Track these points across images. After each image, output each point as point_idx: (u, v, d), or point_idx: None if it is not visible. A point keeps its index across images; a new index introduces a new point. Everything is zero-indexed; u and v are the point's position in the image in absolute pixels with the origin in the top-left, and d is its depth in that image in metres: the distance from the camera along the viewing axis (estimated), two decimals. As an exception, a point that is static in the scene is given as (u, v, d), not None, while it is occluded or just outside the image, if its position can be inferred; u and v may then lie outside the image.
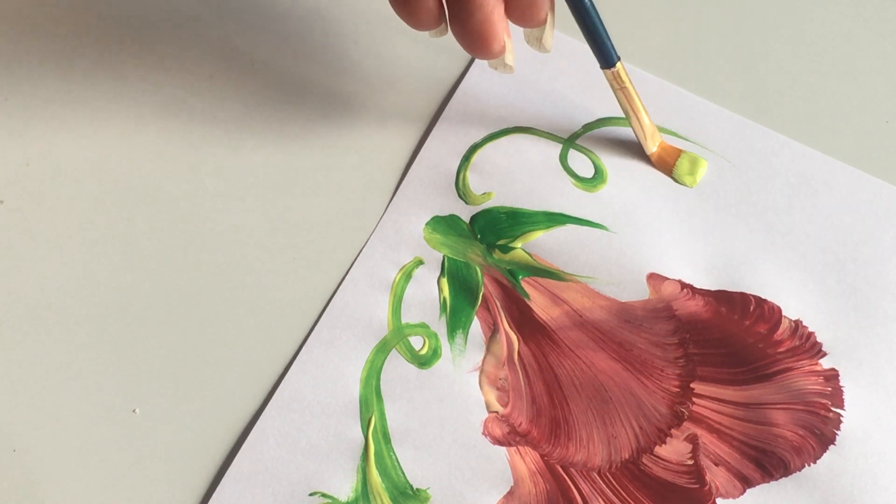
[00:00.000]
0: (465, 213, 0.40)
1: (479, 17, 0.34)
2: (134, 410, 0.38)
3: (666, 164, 0.40)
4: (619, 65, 0.38)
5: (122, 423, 0.38)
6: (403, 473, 0.36)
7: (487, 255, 0.39)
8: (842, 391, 0.37)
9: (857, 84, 0.42)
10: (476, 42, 0.34)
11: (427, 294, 0.39)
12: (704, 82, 0.41)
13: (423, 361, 0.38)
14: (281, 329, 0.39)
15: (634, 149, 0.41)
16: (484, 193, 0.40)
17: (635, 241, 0.39)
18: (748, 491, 0.36)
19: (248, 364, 0.38)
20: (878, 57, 0.42)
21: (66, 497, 0.36)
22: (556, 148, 0.41)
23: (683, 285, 0.38)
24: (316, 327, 0.38)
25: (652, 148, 0.40)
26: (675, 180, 0.40)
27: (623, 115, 0.39)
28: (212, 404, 0.38)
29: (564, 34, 0.42)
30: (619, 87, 0.38)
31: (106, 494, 0.37)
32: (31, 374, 0.38)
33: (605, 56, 0.37)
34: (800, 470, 0.36)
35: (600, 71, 0.38)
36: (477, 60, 0.43)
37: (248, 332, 0.39)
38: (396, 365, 0.38)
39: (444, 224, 0.40)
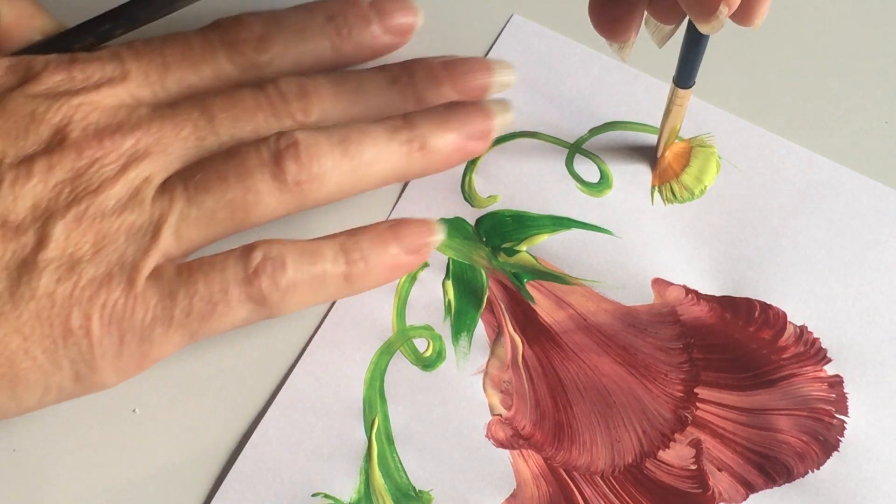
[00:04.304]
0: (470, 215, 0.40)
1: None
2: (134, 410, 0.38)
3: (672, 170, 0.40)
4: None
5: (122, 423, 0.37)
6: (406, 475, 0.36)
7: (492, 258, 0.39)
8: (846, 398, 0.37)
9: (866, 89, 0.42)
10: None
11: (432, 296, 0.39)
12: (709, 87, 0.41)
13: (427, 364, 0.38)
14: (285, 330, 0.38)
15: (640, 154, 0.41)
16: (489, 196, 0.40)
17: (640, 245, 0.39)
18: (751, 496, 0.36)
19: (251, 365, 0.38)
20: (883, 59, 0.42)
21: (66, 497, 0.36)
22: (562, 153, 0.41)
23: (688, 290, 0.39)
24: (320, 328, 0.38)
25: (665, 153, 0.40)
26: (671, 194, 0.40)
27: (631, 121, 0.39)
28: (214, 405, 0.37)
29: (567, 37, 0.43)
30: (678, 104, 0.38)
31: (106, 495, 0.36)
32: (33, 373, 0.38)
33: (690, 77, 0.36)
34: (803, 476, 0.36)
35: (607, 76, 0.38)
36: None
37: (252, 332, 0.38)
38: (400, 367, 0.38)
39: (449, 226, 0.40)
